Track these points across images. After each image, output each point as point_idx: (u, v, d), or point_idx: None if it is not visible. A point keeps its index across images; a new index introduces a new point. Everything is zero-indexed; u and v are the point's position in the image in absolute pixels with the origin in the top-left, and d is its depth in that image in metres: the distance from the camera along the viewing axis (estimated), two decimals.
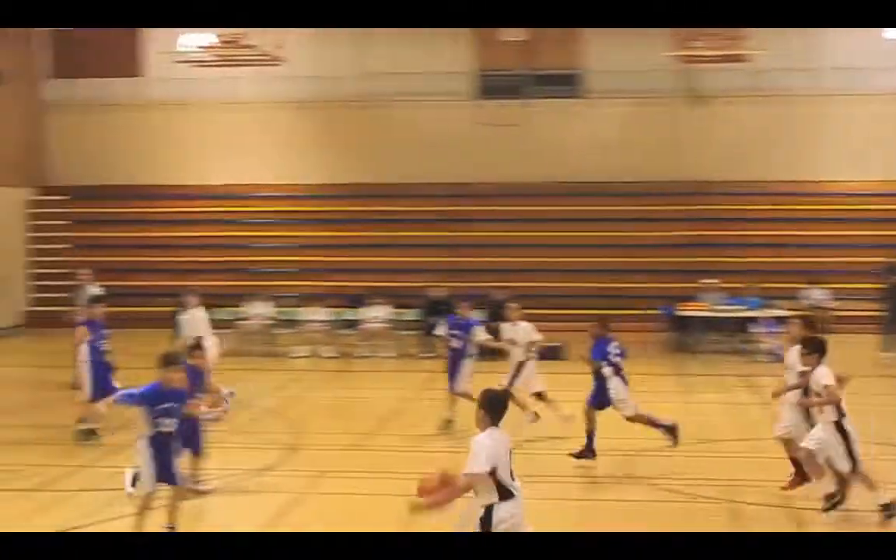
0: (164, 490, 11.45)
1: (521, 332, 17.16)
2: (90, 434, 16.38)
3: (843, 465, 12.35)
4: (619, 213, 31.45)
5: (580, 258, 30.43)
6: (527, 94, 32.24)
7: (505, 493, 8.95)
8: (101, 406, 16.37)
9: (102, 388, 16.37)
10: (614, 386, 14.99)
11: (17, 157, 32.02)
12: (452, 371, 17.14)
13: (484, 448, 8.89)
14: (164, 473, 11.08)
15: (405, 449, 16.31)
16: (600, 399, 15.06)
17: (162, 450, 10.98)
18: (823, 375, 12.48)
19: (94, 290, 20.81)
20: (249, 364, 24.58)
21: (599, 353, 15.07)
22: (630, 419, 15.23)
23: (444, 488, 8.88)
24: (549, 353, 19.96)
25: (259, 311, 26.42)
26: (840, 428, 12.37)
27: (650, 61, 30.21)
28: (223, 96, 32.49)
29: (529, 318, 17.45)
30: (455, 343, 17.28)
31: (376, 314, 26.29)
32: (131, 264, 31.60)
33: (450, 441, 16.22)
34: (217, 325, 26.70)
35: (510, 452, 9.14)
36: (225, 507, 13.55)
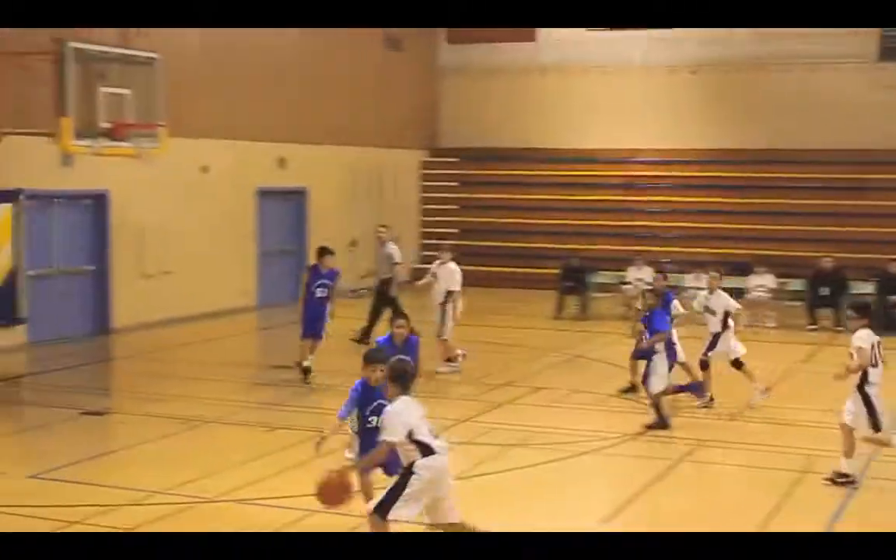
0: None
1: (718, 301, 16.76)
2: (306, 372, 17.75)
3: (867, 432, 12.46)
4: None
5: None
6: None
7: (426, 450, 9.35)
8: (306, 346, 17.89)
9: (312, 330, 17.94)
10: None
11: (412, 119, 33.47)
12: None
13: (397, 415, 9.38)
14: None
15: (780, 421, 15.87)
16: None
17: (369, 444, 10.74)
18: (859, 338, 12.41)
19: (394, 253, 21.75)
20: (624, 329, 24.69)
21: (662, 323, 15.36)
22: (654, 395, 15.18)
23: (340, 489, 9.47)
24: None
25: (639, 275, 26.36)
26: (862, 393, 12.34)
27: None
28: (615, 61, 32.54)
29: None
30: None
31: (761, 283, 25.64)
32: (514, 226, 32.34)
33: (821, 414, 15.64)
34: (600, 288, 27.22)
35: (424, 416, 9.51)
36: (597, 471, 13.71)
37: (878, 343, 12.55)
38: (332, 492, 9.54)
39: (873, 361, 12.41)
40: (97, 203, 22.77)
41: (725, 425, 15.62)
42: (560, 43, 32.89)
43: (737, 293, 25.87)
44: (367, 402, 10.55)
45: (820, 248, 26.84)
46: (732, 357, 16.80)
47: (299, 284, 18.58)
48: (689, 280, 25.80)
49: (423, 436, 9.41)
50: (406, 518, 9.34)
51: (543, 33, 33.27)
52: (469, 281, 30.85)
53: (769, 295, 25.52)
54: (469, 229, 32.81)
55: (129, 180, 22.29)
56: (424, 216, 33.79)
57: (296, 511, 11.25)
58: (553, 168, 32.86)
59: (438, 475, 9.43)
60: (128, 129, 19.22)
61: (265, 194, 27.41)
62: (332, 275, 18.23)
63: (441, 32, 34.37)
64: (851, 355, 12.43)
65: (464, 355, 19.13)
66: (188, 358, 20.67)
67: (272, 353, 18.59)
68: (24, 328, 20.86)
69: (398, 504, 9.29)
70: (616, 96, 32.54)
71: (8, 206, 20.23)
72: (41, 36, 18.61)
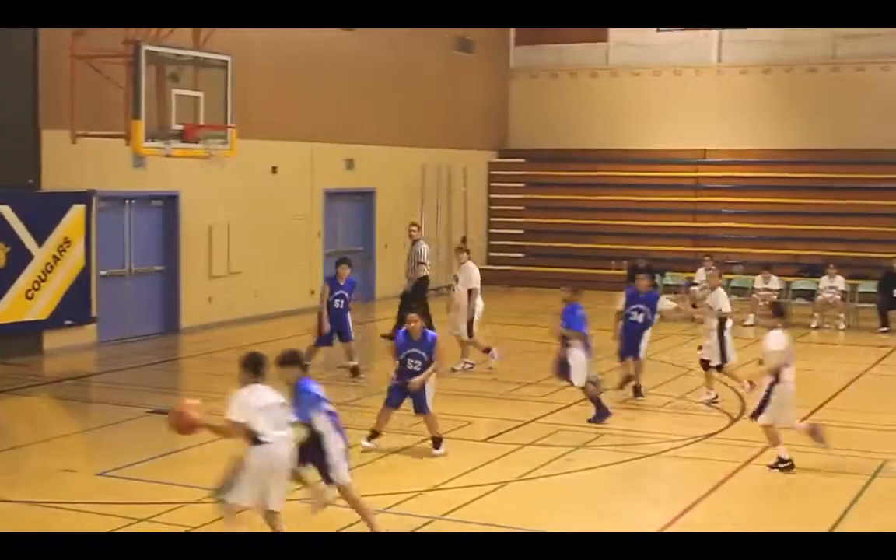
0: None
1: (715, 299, 17.04)
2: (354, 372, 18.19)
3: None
4: None
5: None
6: None
7: (256, 441, 9.57)
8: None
9: (327, 338, 18.44)
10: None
11: (482, 121, 33.48)
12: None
13: (236, 400, 9.72)
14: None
15: (848, 425, 15.68)
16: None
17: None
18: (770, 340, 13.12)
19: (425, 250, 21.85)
20: (697, 330, 24.50)
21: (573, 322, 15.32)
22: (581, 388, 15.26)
23: (190, 421, 9.75)
24: None
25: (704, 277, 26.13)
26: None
27: None
28: (687, 61, 32.31)
29: None
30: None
31: (832, 285, 25.33)
32: (581, 227, 32.22)
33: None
34: (666, 289, 27.03)
35: (277, 405, 9.76)
36: (663, 473, 13.63)
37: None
38: (180, 421, 9.87)
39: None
40: (168, 204, 23.06)
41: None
42: (631, 44, 32.72)
43: (807, 295, 25.72)
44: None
45: (892, 250, 26.45)
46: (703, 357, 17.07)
47: (352, 289, 18.75)
48: (758, 282, 25.56)
49: (257, 425, 9.58)
50: (235, 502, 9.64)
51: (614, 34, 33.11)
52: (534, 282, 31.16)
53: (840, 297, 25.19)
54: (535, 230, 32.78)
55: (199, 181, 22.54)
56: (491, 217, 33.80)
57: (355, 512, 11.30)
58: (621, 169, 32.68)
59: (268, 464, 9.63)
60: (199, 130, 19.41)
61: (333, 195, 27.58)
62: (350, 285, 18.48)
63: (511, 34, 34.34)
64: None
65: (492, 354, 19.21)
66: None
67: (337, 354, 18.70)
68: (95, 327, 21.19)
69: (231, 490, 9.63)
70: (687, 97, 32.30)
71: (81, 206, 20.59)
72: (115, 39, 18.90)
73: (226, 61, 20.11)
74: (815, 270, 26.99)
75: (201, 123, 19.52)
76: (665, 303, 18.01)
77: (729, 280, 26.74)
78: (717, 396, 16.79)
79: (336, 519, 10.76)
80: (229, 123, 19.98)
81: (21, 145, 19.87)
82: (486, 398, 17.23)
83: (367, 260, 28.39)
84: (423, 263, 21.63)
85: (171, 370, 20.57)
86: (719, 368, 16.86)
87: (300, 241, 26.21)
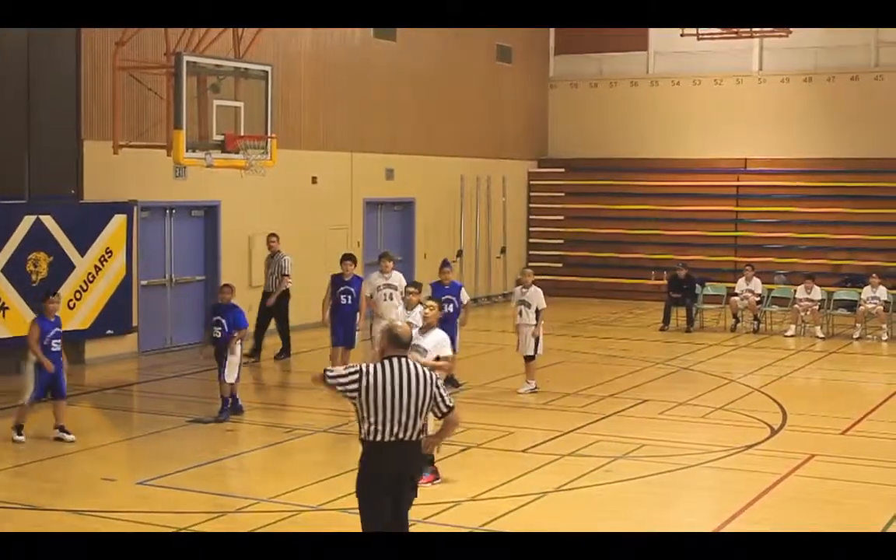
0: None
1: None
2: None
3: None
4: None
5: None
6: None
7: None
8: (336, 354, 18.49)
9: (337, 337, 18.56)
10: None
11: (521, 130, 33.45)
12: None
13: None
14: None
15: (890, 436, 15.54)
16: None
17: None
18: None
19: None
20: (738, 341, 24.42)
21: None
22: None
23: None
24: None
25: (748, 287, 25.97)
26: None
27: None
28: (727, 70, 32.14)
29: None
30: None
31: (875, 295, 25.07)
32: (621, 237, 32.09)
33: None
34: (708, 300, 26.89)
35: None
36: (703, 484, 13.54)
37: None
38: None
39: None
40: (209, 214, 23.18)
41: (837, 439, 15.32)
42: (671, 52, 32.59)
43: (849, 305, 25.49)
44: None
45: None
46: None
47: (359, 286, 18.77)
48: (800, 292, 25.36)
49: None
50: None
51: (654, 43, 33.00)
52: (574, 292, 31.11)
53: (882, 307, 24.93)
54: (575, 240, 32.69)
55: (239, 191, 22.62)
56: (531, 226, 33.75)
57: None
58: (661, 178, 32.55)
59: None
60: (239, 141, 19.50)
61: (373, 205, 27.62)
62: (356, 282, 18.41)
63: (551, 43, 34.30)
64: None
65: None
66: (295, 368, 20.89)
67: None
68: (135, 337, 21.32)
69: None
70: (728, 106, 32.11)
71: (123, 216, 20.74)
72: (157, 51, 19.02)
73: (266, 71, 20.19)
74: (857, 280, 26.75)
75: (242, 134, 19.61)
76: None
77: (770, 290, 26.57)
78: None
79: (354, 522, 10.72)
80: (269, 133, 20.06)
81: (64, 156, 20.03)
82: (527, 409, 17.19)
83: (406, 269, 28.38)
84: (287, 276, 21.11)
85: (211, 380, 20.61)
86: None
87: (340, 251, 26.16)
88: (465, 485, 12.75)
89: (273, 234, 21.68)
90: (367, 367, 8.53)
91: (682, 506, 12.65)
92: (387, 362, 8.53)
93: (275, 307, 21.18)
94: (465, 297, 18.31)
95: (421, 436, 8.65)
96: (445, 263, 19.13)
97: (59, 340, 14.83)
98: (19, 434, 14.66)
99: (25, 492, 12.62)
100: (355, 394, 8.45)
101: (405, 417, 8.46)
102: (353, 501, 11.42)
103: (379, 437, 8.45)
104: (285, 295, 21.28)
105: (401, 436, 8.46)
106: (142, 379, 19.76)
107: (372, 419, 8.45)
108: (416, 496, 8.91)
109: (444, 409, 8.69)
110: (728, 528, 11.42)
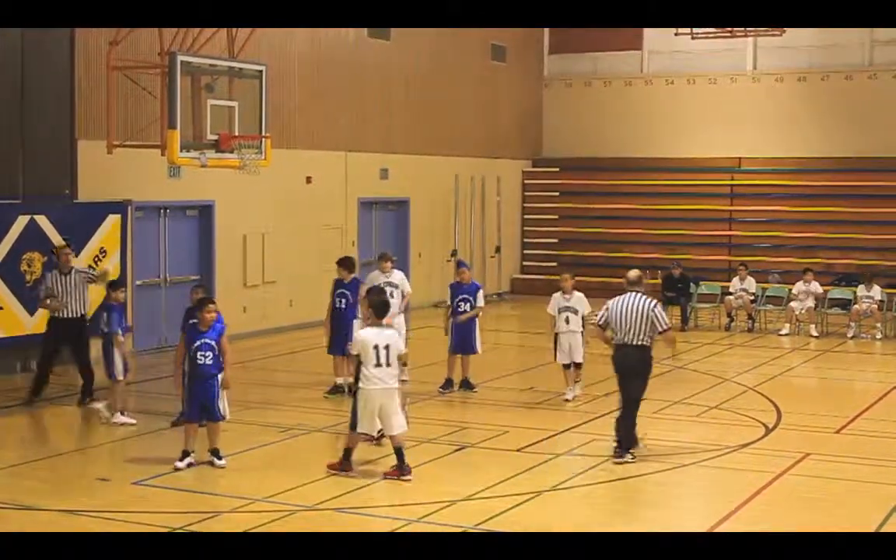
0: None
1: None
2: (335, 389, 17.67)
3: None
4: None
5: None
6: None
7: None
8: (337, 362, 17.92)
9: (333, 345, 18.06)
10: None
11: (516, 130, 33.46)
12: None
13: None
14: None
15: (885, 435, 15.56)
16: None
17: None
18: None
19: None
20: (732, 339, 24.45)
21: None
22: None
23: None
24: None
25: (742, 286, 26.00)
26: None
27: None
28: (722, 69, 32.18)
29: None
30: None
31: (869, 294, 25.09)
32: (615, 236, 32.11)
33: None
34: (702, 298, 26.92)
35: None
36: (699, 483, 13.55)
37: None
38: None
39: None
40: (203, 213, 23.17)
41: (832, 438, 15.34)
42: (665, 52, 32.63)
43: (844, 304, 25.51)
44: None
45: None
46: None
47: (357, 289, 18.65)
48: (798, 285, 25.36)
49: None
50: None
51: (648, 42, 33.02)
52: None
53: (877, 306, 24.95)
54: (569, 239, 32.71)
55: (233, 191, 22.62)
56: (525, 226, 33.76)
57: (396, 520, 11.31)
58: (656, 177, 32.60)
59: None
60: (234, 140, 19.46)
61: (367, 205, 27.61)
62: (354, 285, 18.24)
63: (545, 42, 34.31)
64: None
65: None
66: (290, 367, 20.89)
67: None
68: (130, 336, 21.25)
69: None
70: (722, 105, 32.14)
71: (117, 216, 20.71)
72: (151, 50, 18.99)
73: (260, 71, 20.14)
74: (851, 279, 26.78)
75: (236, 133, 19.58)
76: None
77: (764, 289, 26.61)
78: None
79: (348, 522, 10.76)
80: (264, 133, 20.03)
81: (58, 156, 20.02)
82: (522, 408, 17.19)
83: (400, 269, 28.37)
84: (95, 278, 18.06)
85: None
86: None
87: (335, 251, 26.20)
88: (459, 484, 12.75)
89: (66, 245, 18.50)
90: None
91: (677, 505, 12.67)
92: None
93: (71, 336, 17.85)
94: (480, 300, 18.33)
95: None
96: (462, 264, 19.29)
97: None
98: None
99: (20, 492, 12.59)
100: None
101: None
102: (349, 501, 11.45)
103: None
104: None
105: None
106: (137, 378, 19.69)
107: None
108: None
109: None
110: (722, 528, 11.42)
